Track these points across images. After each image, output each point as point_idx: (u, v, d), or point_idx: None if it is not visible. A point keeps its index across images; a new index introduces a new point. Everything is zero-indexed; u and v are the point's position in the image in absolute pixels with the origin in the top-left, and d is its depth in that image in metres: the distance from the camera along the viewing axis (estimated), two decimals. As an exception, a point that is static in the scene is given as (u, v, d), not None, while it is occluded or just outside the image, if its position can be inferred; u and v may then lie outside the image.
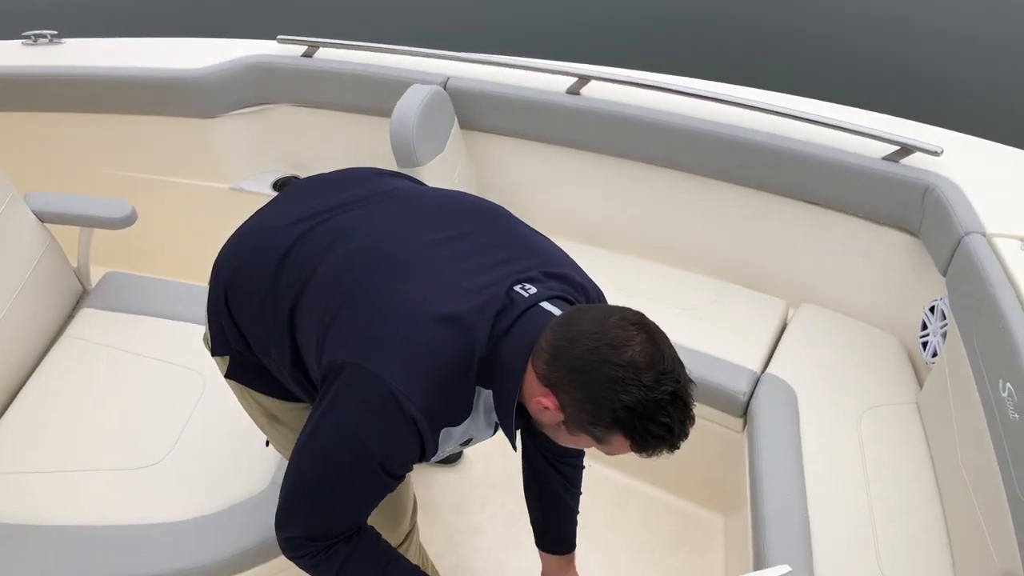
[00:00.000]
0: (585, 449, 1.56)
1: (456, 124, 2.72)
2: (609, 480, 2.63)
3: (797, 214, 2.52)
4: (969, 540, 1.85)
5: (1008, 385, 1.77)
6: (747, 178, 2.53)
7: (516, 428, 1.39)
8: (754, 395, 2.25)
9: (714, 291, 2.55)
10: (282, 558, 1.95)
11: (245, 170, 3.02)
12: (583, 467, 1.82)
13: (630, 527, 2.51)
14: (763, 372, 2.31)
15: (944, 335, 2.21)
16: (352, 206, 1.53)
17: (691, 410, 1.28)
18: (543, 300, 1.35)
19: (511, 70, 2.72)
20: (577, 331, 1.24)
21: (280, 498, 1.43)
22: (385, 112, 2.63)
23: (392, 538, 1.93)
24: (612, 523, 2.53)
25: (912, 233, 2.35)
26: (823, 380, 2.28)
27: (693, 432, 2.44)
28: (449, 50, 2.75)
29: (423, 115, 2.46)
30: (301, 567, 1.50)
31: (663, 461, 2.54)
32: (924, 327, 2.30)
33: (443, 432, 1.34)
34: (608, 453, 1.32)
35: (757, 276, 2.61)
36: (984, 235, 2.07)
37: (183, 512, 1.94)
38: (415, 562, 2.08)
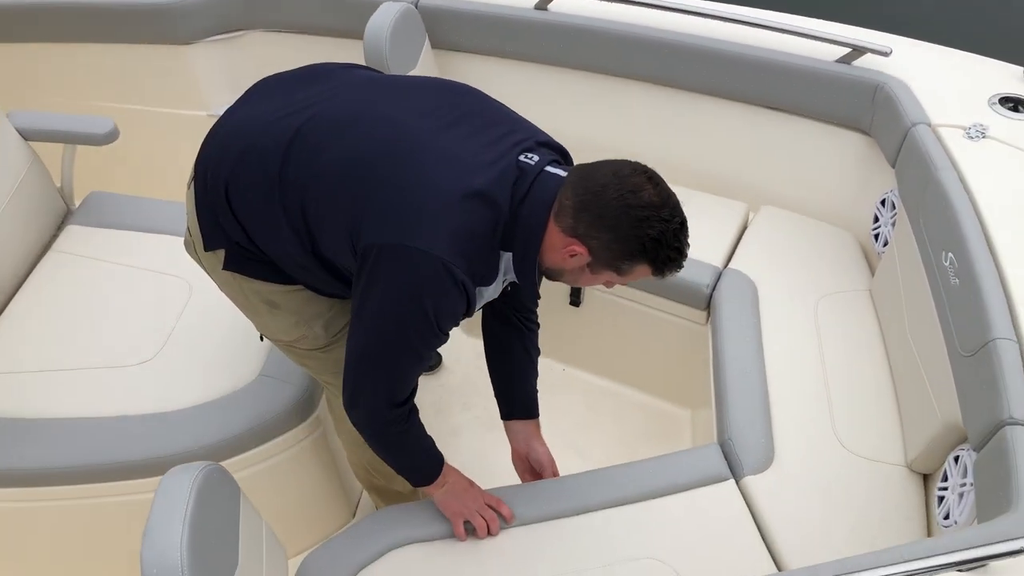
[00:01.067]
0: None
1: (427, 43, 2.80)
2: (582, 381, 2.75)
3: (757, 119, 2.64)
4: (915, 400, 1.99)
5: (950, 255, 1.90)
6: (710, 87, 2.64)
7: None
8: (716, 288, 2.38)
9: (680, 198, 2.66)
10: (272, 443, 2.06)
11: (223, 97, 3.07)
12: (538, 326, 1.97)
13: (604, 424, 2.64)
14: (725, 267, 2.44)
15: (894, 224, 2.34)
16: (339, 96, 1.62)
17: (688, 235, 1.53)
18: (546, 166, 1.55)
19: None
20: (598, 185, 1.47)
21: (348, 380, 1.60)
22: (357, 34, 2.70)
23: None
24: (586, 421, 2.65)
25: (864, 132, 2.47)
26: (781, 273, 2.41)
27: (660, 328, 2.57)
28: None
29: (394, 34, 2.53)
30: (389, 442, 1.72)
31: (633, 359, 2.67)
32: (876, 220, 2.44)
33: (478, 291, 1.53)
34: (622, 282, 1.58)
35: (720, 182, 2.73)
36: (930, 125, 2.19)
37: (178, 402, 2.04)
38: None
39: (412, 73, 2.61)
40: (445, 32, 2.82)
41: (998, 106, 2.24)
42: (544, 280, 1.67)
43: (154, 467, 1.95)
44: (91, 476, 1.95)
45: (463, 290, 1.49)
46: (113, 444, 1.97)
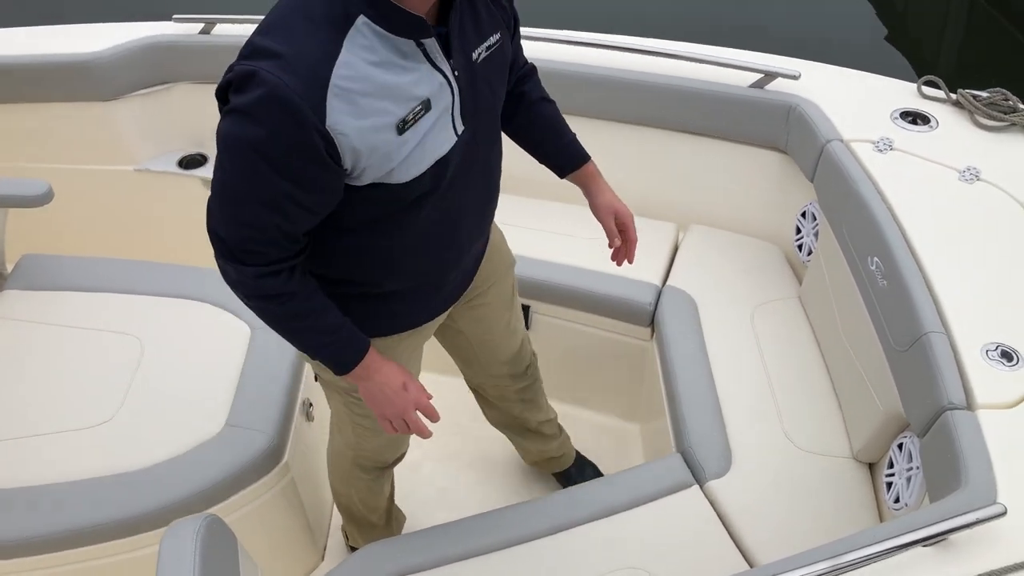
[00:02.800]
0: None
1: None
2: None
3: (682, 145, 2.79)
4: (855, 395, 2.14)
5: (875, 259, 2.07)
6: (636, 116, 2.78)
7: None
8: (658, 305, 2.50)
9: None
10: (242, 493, 2.07)
11: (150, 151, 3.06)
12: (532, 67, 1.85)
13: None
14: (664, 285, 2.56)
15: (816, 234, 2.51)
16: None
17: None
18: None
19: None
20: None
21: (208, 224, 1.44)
22: None
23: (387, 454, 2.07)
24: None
25: (781, 150, 2.64)
26: (716, 287, 2.55)
27: (607, 347, 2.67)
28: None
29: None
30: (273, 313, 1.51)
31: (582, 380, 2.75)
32: (798, 231, 2.61)
33: (335, 95, 1.28)
34: None
35: (651, 205, 2.86)
36: (842, 141, 2.37)
37: (144, 460, 2.03)
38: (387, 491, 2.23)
39: None
40: None
41: (900, 120, 2.44)
42: None
43: (127, 528, 1.93)
44: (63, 543, 1.91)
45: (270, 102, 1.25)
46: (80, 508, 1.94)
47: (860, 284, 2.15)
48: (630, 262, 1.92)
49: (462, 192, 1.57)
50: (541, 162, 1.90)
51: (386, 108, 1.34)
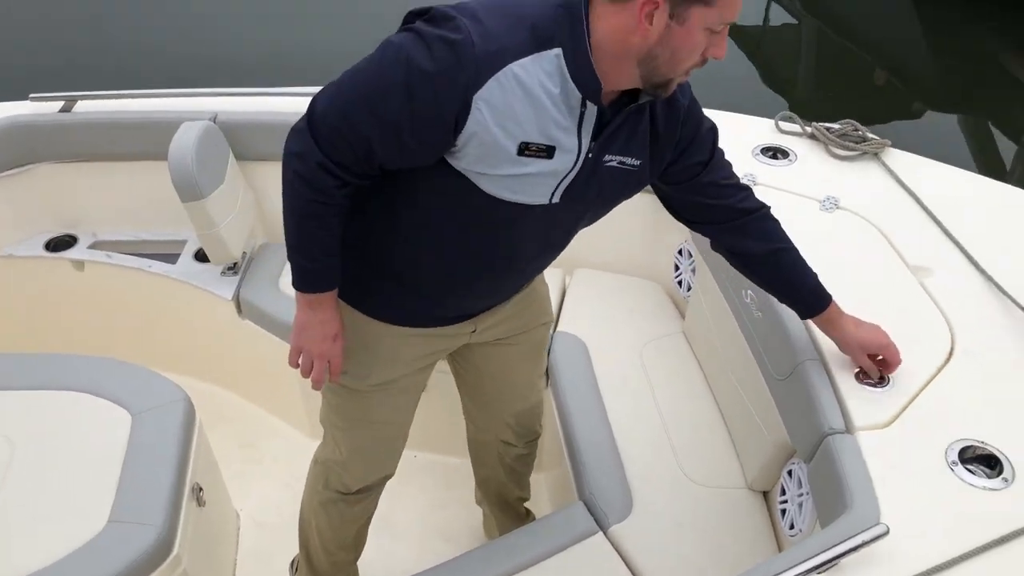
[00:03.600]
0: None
1: (231, 156, 2.81)
2: (435, 463, 2.80)
3: None
4: (744, 424, 2.20)
5: (749, 292, 2.14)
6: None
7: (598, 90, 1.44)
8: (551, 352, 2.52)
9: None
10: None
11: (14, 235, 2.93)
12: (767, 208, 1.80)
13: (464, 501, 2.70)
14: (555, 331, 2.59)
15: (694, 270, 2.59)
16: None
17: None
18: None
19: (274, 98, 2.86)
20: None
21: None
22: (155, 155, 2.68)
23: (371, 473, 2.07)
24: (445, 501, 2.70)
25: (650, 191, 2.72)
26: (605, 328, 2.59)
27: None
28: (211, 87, 2.85)
29: (198, 150, 2.54)
30: (298, 198, 1.54)
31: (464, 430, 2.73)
32: (677, 268, 2.68)
33: (499, 80, 1.37)
34: (718, 19, 1.37)
35: None
36: None
37: (21, 568, 1.90)
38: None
39: (219, 189, 2.61)
40: (248, 144, 2.85)
41: (761, 156, 2.55)
42: None
43: None
44: None
45: (452, 46, 1.34)
46: None
47: (737, 317, 2.22)
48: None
49: (518, 247, 1.65)
50: (782, 302, 1.87)
51: (525, 122, 1.41)
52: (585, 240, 2.87)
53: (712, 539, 2.04)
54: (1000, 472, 1.69)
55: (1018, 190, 2.52)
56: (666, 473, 2.19)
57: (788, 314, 2.01)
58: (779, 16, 6.76)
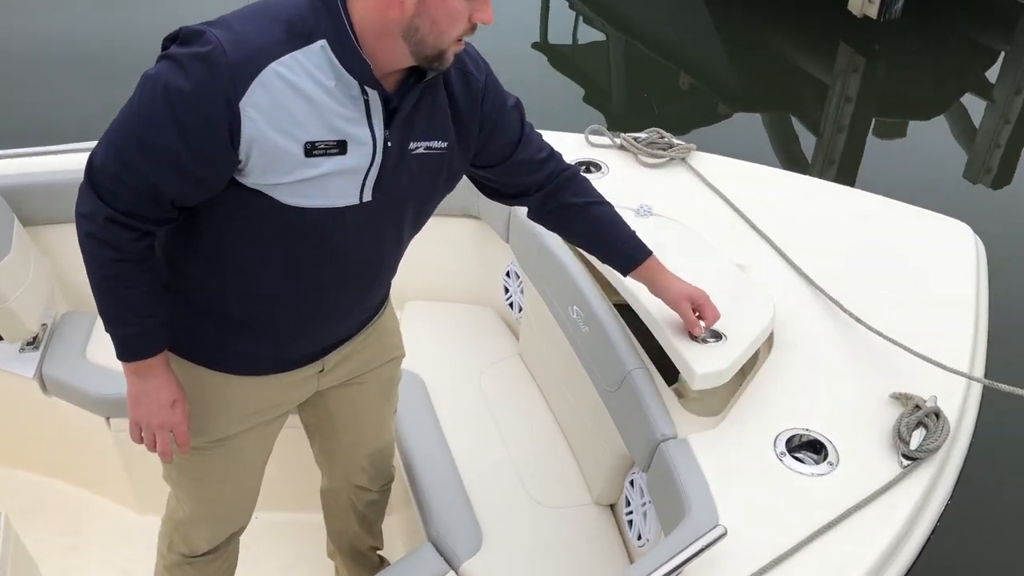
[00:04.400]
0: None
1: (16, 222, 2.58)
2: (281, 521, 2.66)
3: None
4: (584, 440, 2.20)
5: (575, 307, 2.14)
6: None
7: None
8: None
9: None
10: None
11: None
12: (573, 169, 1.80)
13: (313, 557, 2.57)
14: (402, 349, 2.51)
15: (522, 290, 2.58)
16: None
17: None
18: None
19: (57, 157, 2.66)
20: None
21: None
22: None
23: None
24: (293, 559, 2.56)
25: (475, 217, 2.70)
26: (441, 360, 2.54)
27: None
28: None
29: None
30: (95, 258, 1.46)
31: (311, 484, 2.62)
32: (507, 290, 2.67)
33: (260, 84, 1.33)
34: None
35: None
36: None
37: None
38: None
39: (5, 259, 2.38)
40: (34, 207, 2.63)
41: None
42: None
43: None
44: None
45: (203, 59, 1.30)
46: None
47: (566, 332, 2.21)
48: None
49: (342, 260, 1.56)
50: (604, 263, 1.89)
51: (305, 122, 1.37)
52: (411, 271, 2.82)
53: (565, 560, 2.02)
54: (826, 457, 1.74)
55: (819, 180, 2.65)
56: (513, 500, 2.15)
57: (613, 326, 2.02)
58: (588, 34, 6.96)
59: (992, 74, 6.30)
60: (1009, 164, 5.37)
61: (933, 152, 5.49)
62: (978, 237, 2.42)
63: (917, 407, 1.80)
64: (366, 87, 1.40)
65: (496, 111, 1.63)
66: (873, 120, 5.70)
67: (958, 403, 1.85)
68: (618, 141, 2.68)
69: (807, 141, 5.68)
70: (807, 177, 2.65)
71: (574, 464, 2.25)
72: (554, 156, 1.79)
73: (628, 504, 2.02)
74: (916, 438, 1.75)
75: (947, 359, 1.90)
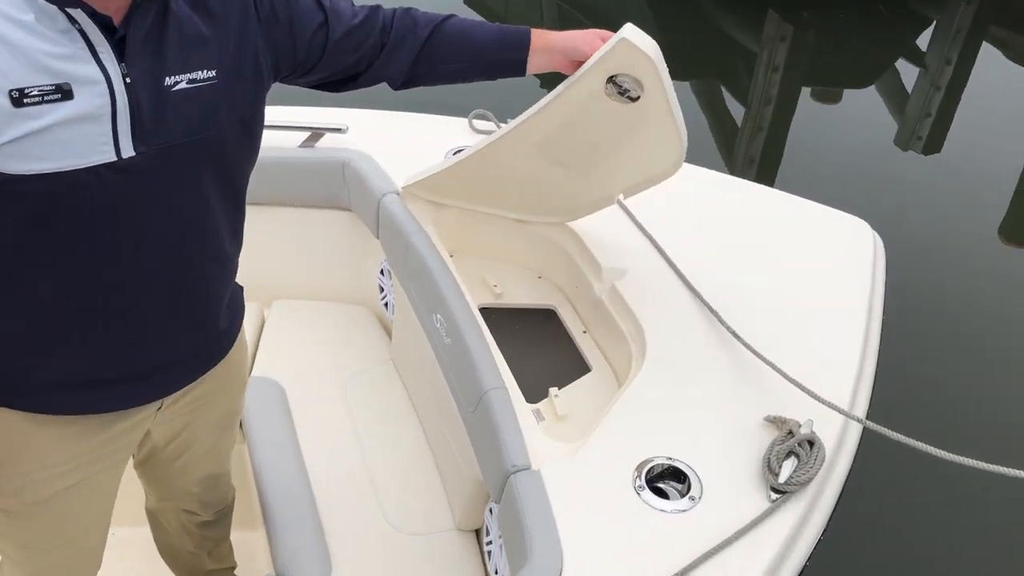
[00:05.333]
0: None
1: None
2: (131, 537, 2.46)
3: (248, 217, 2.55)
4: (449, 460, 2.03)
5: (439, 316, 1.96)
6: None
7: None
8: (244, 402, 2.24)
9: None
10: None
11: None
12: (398, 10, 1.63)
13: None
14: (250, 376, 2.31)
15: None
16: None
17: None
18: None
19: None
20: None
21: None
22: None
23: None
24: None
25: (346, 208, 2.49)
26: (306, 366, 2.34)
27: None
28: None
29: None
30: None
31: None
32: (382, 290, 2.47)
33: None
34: None
35: None
36: (398, 193, 2.26)
37: None
38: None
39: None
40: None
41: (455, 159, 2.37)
42: None
43: None
44: None
45: None
46: None
47: (432, 342, 2.03)
48: None
49: (129, 247, 1.29)
50: (499, 73, 1.71)
51: (5, 68, 1.13)
52: (279, 267, 2.62)
53: None
54: (688, 489, 1.59)
55: (715, 174, 2.48)
56: (369, 526, 1.98)
57: (474, 339, 1.84)
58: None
59: (923, 42, 6.20)
60: (940, 131, 5.29)
61: (863, 121, 5.38)
62: (876, 234, 2.28)
63: (790, 433, 1.65)
64: (68, 10, 1.16)
65: (280, 5, 1.41)
66: (801, 89, 5.57)
67: (837, 428, 1.71)
68: (504, 126, 2.48)
69: (736, 110, 5.53)
70: (703, 169, 2.47)
71: (439, 485, 2.08)
72: (376, 10, 1.60)
73: (488, 533, 1.85)
74: (787, 469, 1.60)
75: (828, 382, 1.75)
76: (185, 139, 1.30)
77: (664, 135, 1.80)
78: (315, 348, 2.40)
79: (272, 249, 2.56)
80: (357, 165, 2.35)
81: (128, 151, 1.24)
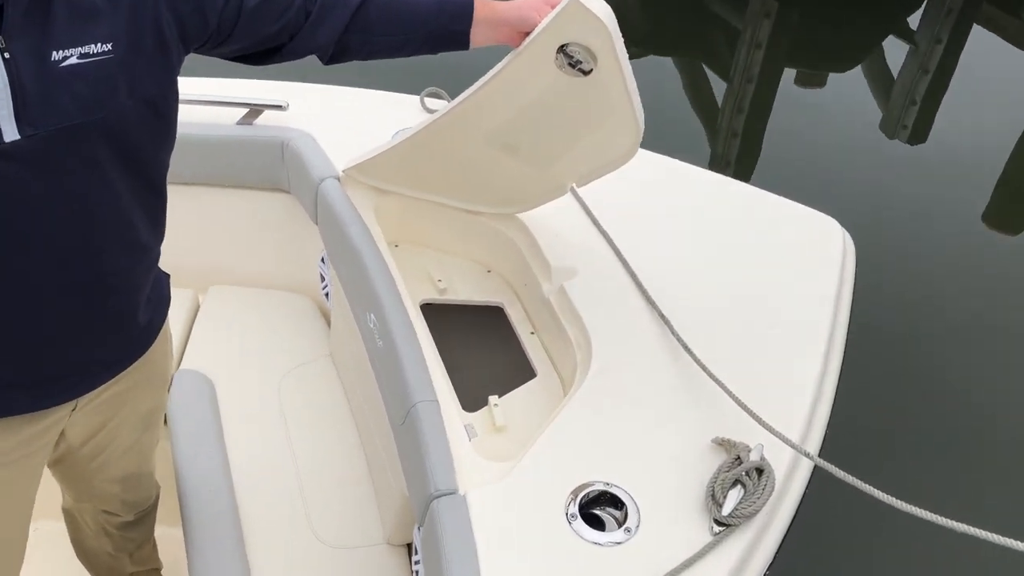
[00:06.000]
0: None
1: None
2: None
3: (181, 199, 2.39)
4: (382, 473, 1.90)
5: (372, 315, 1.82)
6: None
7: None
8: (169, 397, 2.10)
9: None
10: None
11: None
12: None
13: None
14: (177, 370, 2.17)
15: (335, 282, 2.24)
16: None
17: None
18: None
19: None
20: None
21: None
22: None
23: None
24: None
25: (286, 191, 2.34)
26: (240, 358, 2.21)
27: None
28: None
29: None
30: None
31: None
32: (323, 279, 2.33)
33: None
34: None
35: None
36: (338, 178, 2.11)
37: None
38: None
39: None
40: None
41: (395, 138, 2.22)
42: None
43: None
44: None
45: None
46: None
47: (366, 343, 1.90)
48: None
49: (28, 240, 1.19)
50: (439, 50, 1.60)
51: None
52: (217, 251, 2.47)
53: None
54: (625, 518, 1.47)
55: (682, 164, 2.33)
56: (294, 537, 1.85)
57: (406, 347, 1.70)
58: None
59: (913, 22, 6.04)
60: (926, 119, 5.15)
61: (846, 103, 5.23)
62: (847, 233, 2.15)
63: (738, 459, 1.53)
64: None
65: None
66: (784, 69, 5.41)
67: (789, 454, 1.58)
68: (459, 107, 2.33)
69: (719, 88, 5.37)
70: (668, 159, 2.33)
71: (371, 495, 1.95)
72: None
73: (417, 552, 1.73)
74: (732, 499, 1.48)
75: (782, 403, 1.63)
76: (80, 120, 1.17)
77: (619, 115, 1.66)
78: (250, 339, 2.26)
79: (209, 232, 2.41)
80: (297, 146, 2.20)
81: (11, 134, 1.11)
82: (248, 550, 1.81)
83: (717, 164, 4.68)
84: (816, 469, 1.62)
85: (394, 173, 2.06)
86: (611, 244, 1.97)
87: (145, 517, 1.88)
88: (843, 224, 2.17)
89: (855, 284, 2.02)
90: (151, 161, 1.33)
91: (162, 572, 2.21)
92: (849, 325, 1.96)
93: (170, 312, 2.28)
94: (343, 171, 2.09)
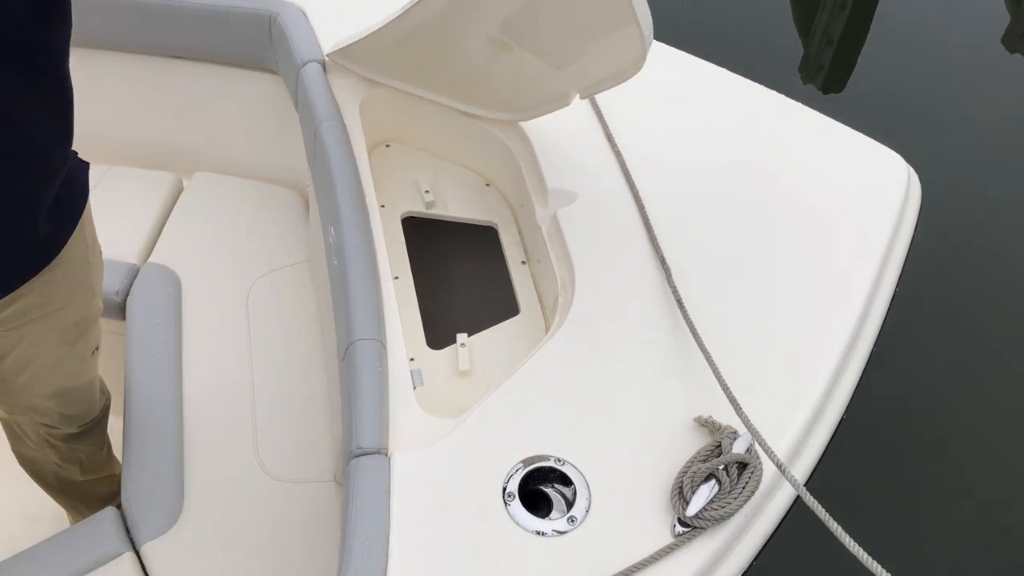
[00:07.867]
0: None
1: None
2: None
3: (170, 72, 2.17)
4: (333, 405, 1.71)
5: (332, 229, 1.60)
6: (107, 39, 2.12)
7: None
8: (130, 292, 1.94)
9: (95, 177, 2.17)
10: None
11: None
12: None
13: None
14: (144, 263, 2.00)
15: (319, 180, 2.01)
16: None
17: None
18: None
19: None
20: None
21: None
22: None
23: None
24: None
25: (272, 71, 2.09)
26: (212, 257, 2.02)
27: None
28: None
29: None
30: None
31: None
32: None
33: None
34: None
35: (147, 152, 2.25)
36: (322, 63, 1.85)
37: None
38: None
39: None
40: None
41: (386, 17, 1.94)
42: None
43: None
44: None
45: None
46: None
47: (327, 261, 1.68)
48: None
49: None
50: None
51: None
52: (206, 133, 2.25)
53: (272, 548, 1.58)
54: (573, 502, 1.24)
55: (730, 76, 1.98)
56: (238, 465, 1.69)
57: (358, 273, 1.48)
58: None
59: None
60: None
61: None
62: (913, 171, 1.80)
63: (718, 448, 1.28)
64: None
65: None
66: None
67: (786, 445, 1.32)
68: None
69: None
70: (717, 69, 1.98)
71: (326, 426, 1.76)
72: None
73: None
74: (701, 496, 1.23)
75: (780, 398, 1.35)
76: None
77: (622, 20, 1.36)
78: (228, 235, 2.06)
79: (194, 112, 2.19)
80: (284, 21, 1.93)
81: None
82: (186, 475, 1.66)
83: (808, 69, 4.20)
84: (817, 468, 1.35)
85: (385, 61, 1.79)
86: (623, 169, 1.68)
87: (91, 429, 1.74)
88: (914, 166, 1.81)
89: (913, 241, 1.69)
90: (40, 52, 1.09)
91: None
92: (899, 283, 1.64)
93: (147, 195, 2.09)
94: (328, 55, 1.83)
